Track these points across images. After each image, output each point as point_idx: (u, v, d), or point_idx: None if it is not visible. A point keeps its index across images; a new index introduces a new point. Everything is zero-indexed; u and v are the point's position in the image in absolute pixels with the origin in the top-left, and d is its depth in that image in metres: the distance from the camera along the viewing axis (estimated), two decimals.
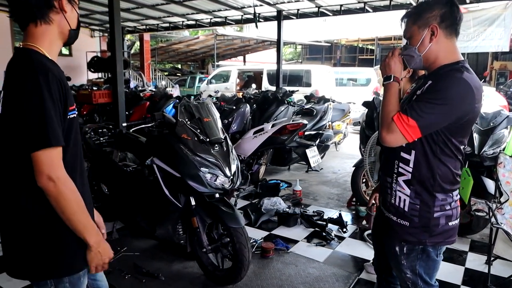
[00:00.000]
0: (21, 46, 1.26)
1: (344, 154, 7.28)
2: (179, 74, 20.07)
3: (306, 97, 7.03)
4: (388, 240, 1.69)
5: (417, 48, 1.51)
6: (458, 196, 1.61)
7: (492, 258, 2.86)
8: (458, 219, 1.61)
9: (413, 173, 1.54)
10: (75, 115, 1.30)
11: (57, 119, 1.19)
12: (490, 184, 3.17)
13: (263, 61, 20.18)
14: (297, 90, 7.67)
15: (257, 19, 8.12)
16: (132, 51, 18.18)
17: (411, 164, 1.53)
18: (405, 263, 1.62)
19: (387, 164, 1.66)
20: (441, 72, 1.49)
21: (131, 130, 3.01)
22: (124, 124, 2.91)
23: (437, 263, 1.63)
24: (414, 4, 7.43)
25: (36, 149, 1.16)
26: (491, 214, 2.71)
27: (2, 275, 2.81)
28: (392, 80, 1.55)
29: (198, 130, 2.67)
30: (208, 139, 2.65)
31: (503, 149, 3.24)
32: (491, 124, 3.36)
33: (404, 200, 1.57)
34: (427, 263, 1.61)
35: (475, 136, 3.30)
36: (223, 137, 2.76)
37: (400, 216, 1.59)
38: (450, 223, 1.56)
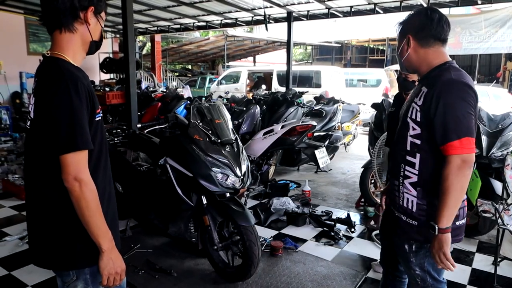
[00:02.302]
0: (49, 55, 1.35)
1: (353, 155, 7.30)
2: (190, 75, 20.22)
3: (315, 98, 7.07)
4: (397, 238, 1.74)
5: (398, 55, 1.67)
6: (465, 197, 1.64)
7: (499, 259, 2.89)
8: (465, 219, 1.66)
9: (419, 175, 1.59)
10: (100, 118, 1.39)
11: (86, 123, 1.27)
12: (498, 186, 3.18)
13: (273, 62, 20.24)
14: (307, 91, 7.72)
15: (267, 21, 8.17)
16: (144, 52, 18.41)
17: (417, 167, 1.58)
18: (414, 260, 1.67)
19: (394, 167, 1.72)
20: (431, 75, 1.57)
21: (145, 131, 3.11)
22: (139, 125, 3.00)
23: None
24: (425, 4, 7.45)
25: (66, 152, 1.24)
26: (497, 215, 2.74)
27: (23, 269, 2.95)
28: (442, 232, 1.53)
29: (210, 131, 2.75)
30: (219, 140, 2.73)
31: (511, 151, 3.26)
32: (500, 126, 3.37)
33: (412, 202, 1.62)
34: None
35: (484, 138, 3.32)
36: (234, 138, 2.84)
37: (409, 216, 1.64)
38: (456, 223, 1.60)
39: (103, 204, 1.38)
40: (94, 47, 1.42)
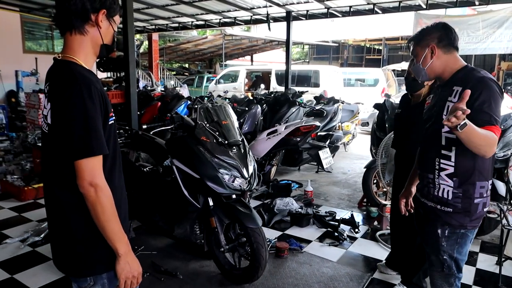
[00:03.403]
0: (60, 58, 1.32)
1: (353, 155, 7.32)
2: (187, 74, 20.16)
3: (315, 98, 7.07)
4: (430, 225, 1.91)
5: (420, 64, 1.86)
6: (491, 185, 1.84)
7: (503, 259, 2.91)
8: (488, 207, 1.87)
9: (456, 166, 1.77)
10: (113, 121, 1.37)
11: (100, 128, 1.26)
12: (500, 187, 3.20)
13: (270, 61, 20.22)
14: (307, 91, 7.71)
15: (269, 20, 8.15)
16: (141, 51, 18.29)
17: (453, 159, 1.78)
18: (445, 245, 1.85)
19: (427, 163, 1.90)
20: (459, 77, 1.79)
21: (151, 132, 3.08)
22: (144, 126, 2.98)
23: (467, 250, 1.89)
24: (423, 5, 7.48)
25: (81, 157, 1.23)
26: (502, 216, 2.75)
27: (25, 272, 2.91)
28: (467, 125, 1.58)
29: (217, 133, 2.73)
30: (226, 141, 2.72)
31: None
32: (502, 127, 3.38)
33: (448, 191, 1.81)
34: (463, 248, 1.86)
35: None
36: (240, 139, 2.82)
37: (444, 205, 1.83)
38: (484, 209, 1.83)
39: (120, 208, 1.37)
40: (105, 50, 1.39)
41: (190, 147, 2.67)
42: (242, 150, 2.80)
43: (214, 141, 2.70)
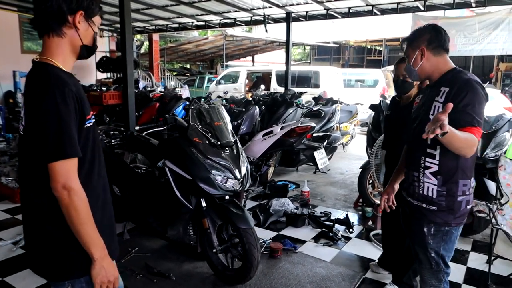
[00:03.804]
0: (38, 60, 1.32)
1: (352, 155, 7.32)
2: (188, 74, 20.20)
3: (314, 98, 7.09)
4: (416, 223, 1.96)
5: (412, 65, 1.90)
6: (474, 183, 1.86)
7: (492, 258, 2.93)
8: (471, 204, 1.93)
9: (440, 165, 1.82)
10: (91, 124, 1.35)
11: (74, 131, 1.25)
12: (492, 186, 3.22)
13: (271, 62, 20.23)
14: (306, 92, 7.73)
15: (266, 21, 8.18)
16: (142, 51, 18.36)
17: (437, 157, 1.82)
18: (431, 243, 1.91)
19: (413, 161, 1.95)
20: (447, 78, 1.83)
21: (144, 133, 3.10)
22: (137, 128, 2.99)
23: (454, 247, 1.95)
24: (421, 7, 7.49)
25: (53, 160, 1.22)
26: (491, 215, 2.77)
27: (16, 275, 2.91)
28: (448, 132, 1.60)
29: (209, 134, 2.75)
30: (219, 143, 2.74)
31: (504, 152, 3.29)
32: (493, 127, 3.41)
33: (432, 189, 1.86)
34: (449, 245, 1.91)
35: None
36: (233, 141, 2.84)
37: (429, 203, 1.88)
38: (468, 207, 1.89)
39: (98, 211, 1.36)
40: (85, 51, 1.38)
41: (183, 149, 2.69)
42: (235, 151, 2.82)
43: (207, 142, 2.71)
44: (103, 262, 1.32)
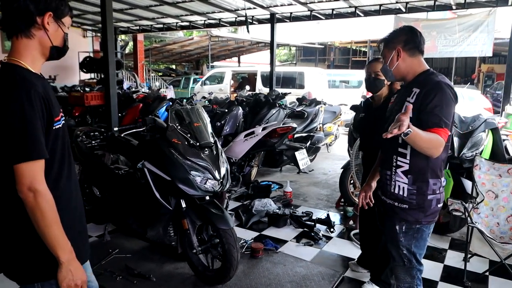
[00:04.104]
0: (6, 61, 1.31)
1: (335, 156, 7.40)
2: (174, 75, 20.07)
3: (298, 99, 7.13)
4: (389, 221, 2.02)
5: (388, 65, 1.94)
6: (445, 182, 1.97)
7: (469, 256, 3.01)
8: (442, 203, 1.96)
9: (410, 164, 1.87)
10: (60, 125, 1.35)
11: (39, 132, 1.24)
12: (468, 185, 3.30)
13: (257, 62, 20.27)
14: (290, 93, 7.76)
15: (248, 23, 8.21)
16: (126, 52, 18.18)
17: (408, 157, 1.87)
18: (403, 240, 1.96)
19: (386, 160, 2.00)
20: (419, 79, 1.88)
21: (122, 135, 3.08)
22: (116, 129, 2.97)
23: (425, 244, 2.00)
24: (403, 9, 7.62)
25: (18, 162, 1.22)
26: (466, 214, 2.84)
27: None
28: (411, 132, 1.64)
29: (189, 135, 2.75)
30: (198, 143, 2.73)
31: (481, 152, 3.38)
32: (470, 127, 3.50)
33: (403, 188, 1.91)
34: (420, 243, 1.96)
35: (455, 139, 3.43)
36: (212, 141, 2.84)
37: (401, 202, 1.93)
38: (438, 205, 1.93)
39: (68, 214, 1.36)
40: (55, 52, 1.37)
41: (161, 150, 2.68)
42: (214, 152, 2.82)
43: (186, 143, 2.71)
44: (69, 265, 1.31)
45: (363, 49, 23.33)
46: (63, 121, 1.37)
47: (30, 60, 1.31)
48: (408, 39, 1.89)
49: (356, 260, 3.13)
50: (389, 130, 1.55)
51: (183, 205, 2.74)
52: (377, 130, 2.45)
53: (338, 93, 11.29)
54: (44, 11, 1.30)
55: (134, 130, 2.92)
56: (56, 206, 1.29)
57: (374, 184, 2.25)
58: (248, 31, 7.97)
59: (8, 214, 1.32)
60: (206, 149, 2.77)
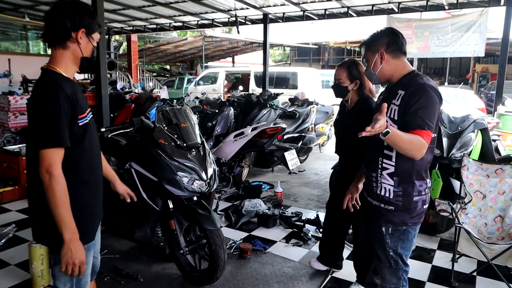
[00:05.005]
0: (45, 67, 1.59)
1: (327, 156, 7.42)
2: (168, 75, 20.03)
3: (290, 99, 7.14)
4: (375, 223, 2.01)
5: (372, 68, 1.93)
6: (430, 184, 1.97)
7: (457, 256, 3.02)
8: (428, 204, 1.97)
9: (396, 166, 1.87)
10: (87, 121, 1.61)
11: (63, 125, 1.48)
12: (457, 186, 3.32)
13: (252, 62, 20.28)
14: (282, 93, 7.78)
15: (238, 23, 8.25)
16: (120, 52, 18.10)
17: (394, 159, 1.86)
18: (389, 242, 1.95)
19: (371, 162, 1.99)
20: (404, 81, 1.88)
21: (109, 135, 3.07)
22: (103, 129, 2.98)
23: (411, 245, 2.01)
24: (395, 9, 7.66)
25: (42, 148, 1.47)
26: (454, 214, 2.86)
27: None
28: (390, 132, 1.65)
29: (176, 135, 2.75)
30: (185, 144, 2.73)
31: (470, 152, 3.40)
32: (459, 128, 3.52)
33: (389, 190, 1.91)
34: (406, 244, 1.96)
35: (444, 139, 3.45)
36: (200, 142, 2.84)
37: (387, 203, 1.93)
38: (424, 206, 1.93)
39: (90, 196, 1.67)
40: (85, 62, 1.62)
41: (148, 150, 2.68)
42: (202, 153, 2.82)
43: (173, 143, 2.71)
44: (71, 244, 1.50)
45: (357, 49, 23.39)
46: (88, 119, 1.62)
47: (64, 66, 1.58)
48: (390, 41, 1.89)
49: (317, 257, 3.11)
50: (365, 129, 1.55)
51: (171, 205, 2.74)
52: (350, 133, 2.46)
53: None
54: (78, 28, 1.56)
55: (122, 131, 2.91)
56: (80, 187, 1.59)
57: (360, 186, 2.26)
58: (238, 31, 7.99)
59: (40, 190, 1.53)
60: (193, 149, 2.77)
